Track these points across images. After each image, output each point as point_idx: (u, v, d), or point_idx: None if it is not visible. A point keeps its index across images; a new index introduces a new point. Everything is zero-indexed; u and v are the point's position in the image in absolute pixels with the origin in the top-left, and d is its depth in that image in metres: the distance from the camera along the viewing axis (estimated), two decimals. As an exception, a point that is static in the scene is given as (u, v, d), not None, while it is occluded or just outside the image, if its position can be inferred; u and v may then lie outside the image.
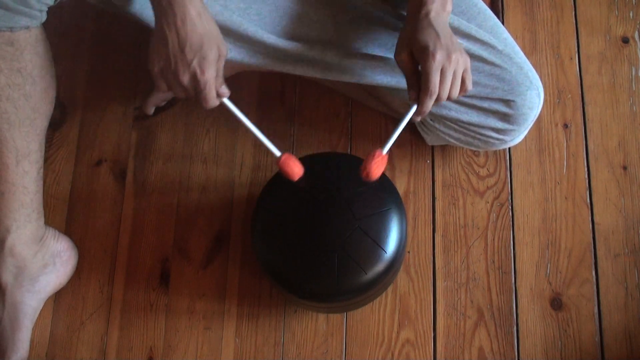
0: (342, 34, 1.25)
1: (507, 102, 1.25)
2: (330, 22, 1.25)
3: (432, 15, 1.09)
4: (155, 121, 1.49)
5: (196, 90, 1.05)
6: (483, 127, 1.28)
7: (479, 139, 1.30)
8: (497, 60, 1.24)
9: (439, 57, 1.06)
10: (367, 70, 1.25)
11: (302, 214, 1.19)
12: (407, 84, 1.13)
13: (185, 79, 1.04)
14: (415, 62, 1.10)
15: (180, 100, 1.49)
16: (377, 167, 1.11)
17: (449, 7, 1.13)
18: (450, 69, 1.08)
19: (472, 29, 1.24)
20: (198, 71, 1.03)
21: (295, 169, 1.14)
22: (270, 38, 1.21)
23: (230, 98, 1.11)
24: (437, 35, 1.07)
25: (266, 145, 1.14)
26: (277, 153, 1.14)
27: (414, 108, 1.12)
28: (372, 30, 1.26)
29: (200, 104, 1.07)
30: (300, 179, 1.15)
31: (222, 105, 1.11)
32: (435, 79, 1.07)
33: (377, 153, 1.11)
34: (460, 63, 1.09)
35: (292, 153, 1.44)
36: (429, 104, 1.10)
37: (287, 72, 1.28)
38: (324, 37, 1.24)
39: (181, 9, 1.01)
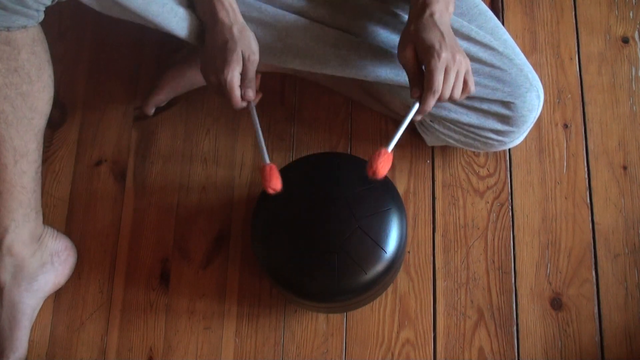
0: (342, 29, 1.25)
1: (506, 104, 1.25)
2: (329, 21, 1.25)
3: (437, 16, 1.10)
4: (155, 121, 1.49)
5: (221, 88, 1.13)
6: (483, 128, 1.28)
7: (478, 141, 1.30)
8: (497, 62, 1.24)
9: (444, 56, 1.08)
10: (367, 63, 1.25)
11: (302, 214, 1.19)
12: (410, 81, 1.13)
13: (213, 78, 1.14)
14: (418, 60, 1.11)
15: (180, 101, 1.49)
16: (384, 165, 1.10)
17: (452, 8, 1.14)
18: (454, 69, 1.09)
19: (473, 31, 1.24)
20: (219, 70, 1.12)
21: (273, 180, 1.13)
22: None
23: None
24: (443, 35, 1.09)
25: (262, 151, 1.16)
26: (266, 161, 1.15)
27: (416, 106, 1.12)
28: (371, 25, 1.26)
29: (229, 103, 1.15)
30: (276, 193, 1.15)
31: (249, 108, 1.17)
32: (439, 77, 1.08)
33: (383, 151, 1.10)
34: (463, 64, 1.11)
35: (292, 154, 1.44)
36: (432, 103, 1.10)
37: (290, 68, 1.28)
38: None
39: (218, 20, 1.14)
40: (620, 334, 1.32)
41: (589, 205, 1.40)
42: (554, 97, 1.47)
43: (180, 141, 1.48)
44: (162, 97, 1.45)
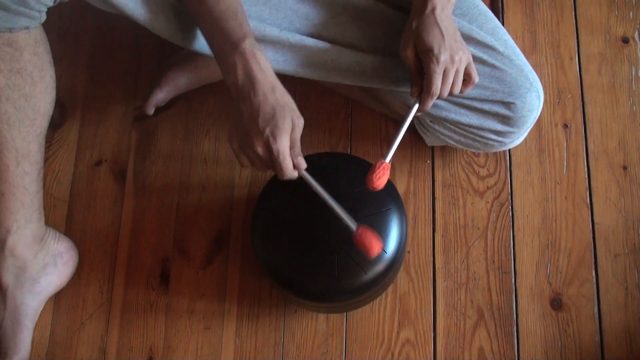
0: (344, 33, 1.25)
1: (507, 105, 1.25)
2: (331, 22, 1.25)
3: (438, 10, 1.11)
4: (155, 121, 1.49)
5: (271, 159, 1.06)
6: (483, 129, 1.28)
7: (478, 141, 1.30)
8: (498, 63, 1.24)
9: (442, 59, 1.10)
10: (367, 70, 1.25)
11: (302, 214, 1.19)
12: (411, 80, 1.16)
13: (260, 149, 1.05)
14: (419, 59, 1.12)
15: (180, 101, 1.49)
16: (381, 178, 1.11)
17: None
18: (452, 69, 1.11)
19: (473, 31, 1.24)
20: (271, 139, 1.04)
21: (373, 244, 1.10)
22: (274, 30, 1.21)
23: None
24: (442, 35, 1.10)
25: (344, 219, 1.11)
26: (354, 227, 1.11)
27: (416, 107, 1.15)
28: (374, 30, 1.25)
29: (278, 175, 1.08)
30: (378, 254, 1.12)
31: (300, 177, 1.11)
32: (437, 81, 1.11)
33: (379, 164, 1.11)
34: (463, 60, 1.12)
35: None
36: (430, 104, 1.14)
37: (289, 74, 1.28)
38: (325, 38, 1.24)
39: (258, 84, 1.05)
40: (620, 334, 1.32)
41: (589, 205, 1.40)
42: (554, 97, 1.47)
43: (180, 141, 1.48)
44: (162, 97, 1.45)
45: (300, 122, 1.07)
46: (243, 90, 1.06)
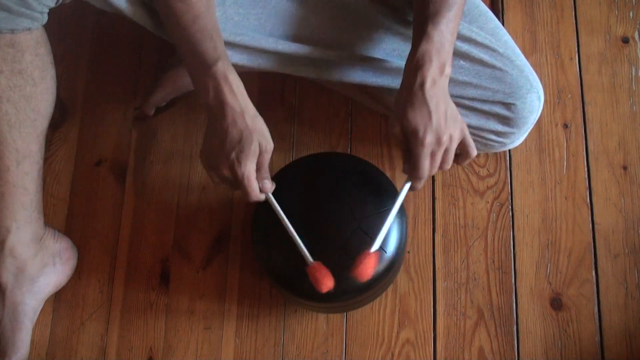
0: (343, 37, 1.25)
1: (507, 105, 1.25)
2: (330, 26, 1.25)
3: (427, 86, 1.05)
4: (155, 121, 1.49)
5: (236, 182, 1.08)
6: (483, 129, 1.28)
7: (478, 142, 1.30)
8: (498, 63, 1.24)
9: (428, 143, 1.06)
10: (369, 72, 1.25)
11: (302, 214, 1.19)
12: (402, 156, 1.13)
13: (226, 171, 1.08)
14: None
15: (180, 101, 1.49)
16: (367, 268, 1.10)
17: (448, 70, 1.08)
18: (440, 151, 1.07)
19: (473, 32, 1.24)
20: (236, 163, 1.07)
21: (325, 280, 1.11)
22: (269, 42, 1.21)
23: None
24: (430, 114, 1.05)
25: (302, 250, 1.13)
26: (310, 260, 1.13)
27: (406, 188, 1.12)
28: (372, 33, 1.26)
29: (244, 197, 1.10)
30: (329, 291, 1.12)
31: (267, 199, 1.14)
32: (424, 164, 1.08)
33: (366, 256, 1.10)
34: (454, 139, 1.08)
35: (292, 154, 1.44)
36: (421, 184, 1.11)
37: (288, 74, 1.28)
38: (324, 41, 1.24)
39: (228, 107, 1.06)
40: (620, 334, 1.32)
41: (589, 205, 1.40)
42: (554, 97, 1.47)
43: (180, 141, 1.48)
44: (162, 97, 1.45)
45: (269, 146, 1.09)
46: (213, 112, 1.08)
